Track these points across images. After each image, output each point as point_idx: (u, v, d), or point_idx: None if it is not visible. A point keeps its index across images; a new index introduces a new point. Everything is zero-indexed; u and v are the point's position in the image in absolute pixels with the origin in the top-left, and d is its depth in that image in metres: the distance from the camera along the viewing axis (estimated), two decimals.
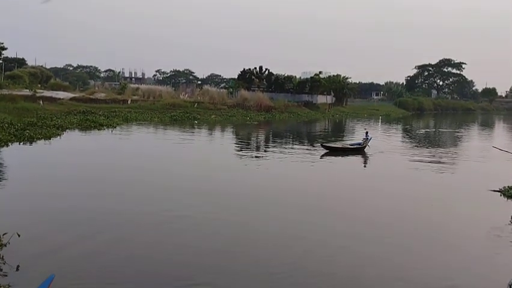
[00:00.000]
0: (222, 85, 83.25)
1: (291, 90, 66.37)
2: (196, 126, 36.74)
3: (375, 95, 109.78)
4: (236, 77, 69.90)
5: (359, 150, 23.28)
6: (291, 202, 12.14)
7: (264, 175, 16.35)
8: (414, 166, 19.74)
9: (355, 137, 33.22)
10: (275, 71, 69.56)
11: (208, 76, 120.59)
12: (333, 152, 22.51)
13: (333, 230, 9.98)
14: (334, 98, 72.23)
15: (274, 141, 28.60)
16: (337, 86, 71.81)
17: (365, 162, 20.90)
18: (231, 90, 61.34)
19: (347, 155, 22.13)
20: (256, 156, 21.08)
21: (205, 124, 39.33)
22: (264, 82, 66.06)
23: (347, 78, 75.55)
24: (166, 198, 12.16)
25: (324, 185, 15.16)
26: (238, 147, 24.57)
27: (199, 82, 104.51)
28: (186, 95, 56.33)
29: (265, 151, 23.10)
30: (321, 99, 68.74)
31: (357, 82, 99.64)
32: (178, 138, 27.58)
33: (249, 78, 65.80)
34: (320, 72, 71.68)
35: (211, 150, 23.28)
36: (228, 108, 51.04)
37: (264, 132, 35.78)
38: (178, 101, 51.03)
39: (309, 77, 70.50)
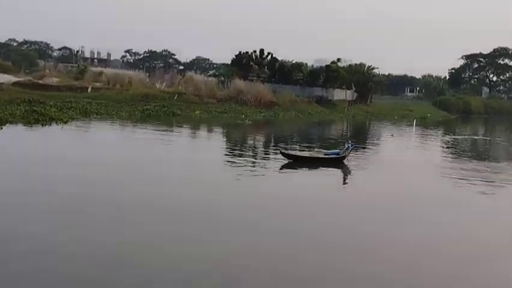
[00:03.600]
0: (211, 72, 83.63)
1: (301, 82, 66.68)
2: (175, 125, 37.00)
3: (409, 92, 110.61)
4: (229, 62, 70.15)
5: (334, 161, 22.72)
6: None
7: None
8: (434, 190, 18.74)
9: (380, 147, 33.50)
10: (280, 56, 70.18)
11: (193, 60, 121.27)
12: (298, 162, 22.15)
13: None
14: (356, 94, 72.03)
15: (266, 150, 28.55)
16: (360, 79, 72.16)
17: (344, 180, 20.49)
18: (222, 79, 61.72)
19: (317, 167, 21.70)
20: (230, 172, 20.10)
21: (187, 122, 39.47)
22: (266, 70, 66.41)
23: (372, 68, 76.11)
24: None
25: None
26: (214, 158, 23.92)
27: (182, 67, 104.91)
28: (164, 84, 56.56)
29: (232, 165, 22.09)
30: (339, 94, 68.92)
31: (387, 74, 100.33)
32: (148, 140, 27.87)
33: (246, 64, 66.13)
34: (338, 60, 72.21)
35: (181, 160, 22.50)
36: (217, 103, 51.49)
37: (260, 137, 36.17)
38: (153, 91, 51.57)
39: (324, 65, 71.08)
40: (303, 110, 57.43)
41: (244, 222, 12.69)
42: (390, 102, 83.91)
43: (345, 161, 22.92)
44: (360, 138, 37.87)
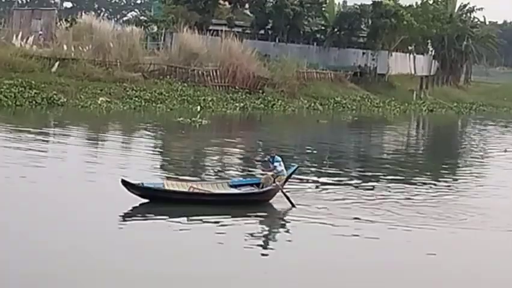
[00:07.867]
0: (131, 16, 61.81)
1: (320, 38, 47.18)
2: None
3: None
4: None
5: (247, 200, 14.81)
6: None
7: None
8: None
9: (479, 177, 22.12)
10: None
11: None
12: (163, 200, 14.90)
13: None
14: (436, 64, 52.84)
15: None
16: (445, 32, 49.91)
17: None
18: (155, 30, 43.67)
19: (216, 213, 13.51)
20: None
21: (79, 121, 27.78)
22: (247, 12, 46.81)
23: (471, 9, 53.44)
24: None
25: None
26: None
27: (67, 5, 77.23)
28: (31, 40, 39.13)
29: None
30: (401, 64, 48.96)
31: (499, 23, 74.37)
32: None
33: (204, 0, 44.81)
34: None
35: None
36: (144, 80, 34.36)
37: (221, 159, 22.51)
38: (9, 53, 34.60)
39: (369, 2, 47.60)
40: (325, 95, 39.89)
41: None
42: (508, 80, 61.28)
43: (279, 202, 14.43)
44: (434, 156, 27.15)
